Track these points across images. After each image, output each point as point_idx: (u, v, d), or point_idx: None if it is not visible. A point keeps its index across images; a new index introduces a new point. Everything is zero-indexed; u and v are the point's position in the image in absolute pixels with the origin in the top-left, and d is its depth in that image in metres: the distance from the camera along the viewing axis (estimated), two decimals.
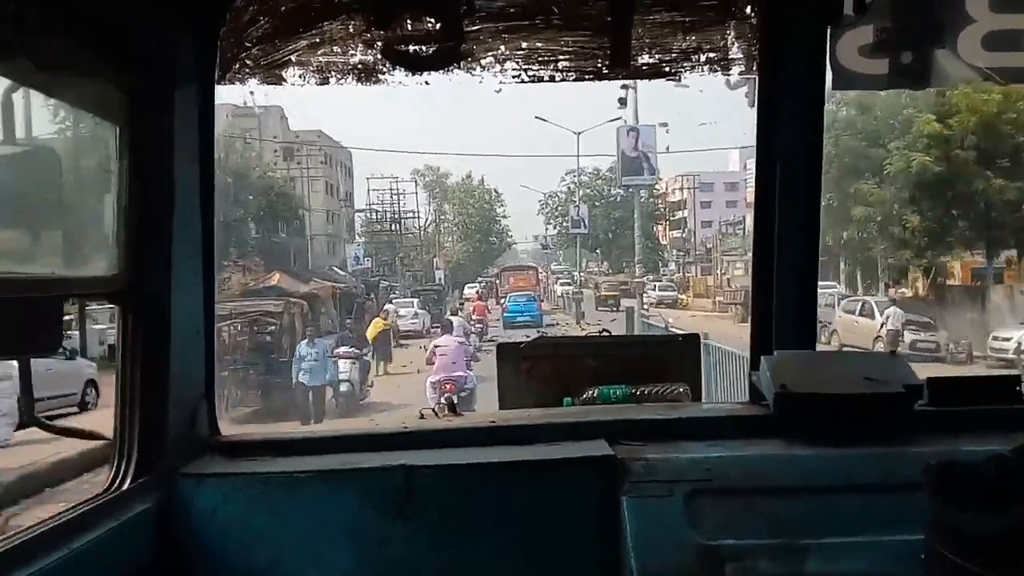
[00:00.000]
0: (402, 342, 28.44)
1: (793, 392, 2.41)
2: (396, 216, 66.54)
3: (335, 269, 50.49)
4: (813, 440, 2.37)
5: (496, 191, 76.93)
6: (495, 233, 77.94)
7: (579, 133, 51.97)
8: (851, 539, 2.15)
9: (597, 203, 66.49)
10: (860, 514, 2.19)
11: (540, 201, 71.80)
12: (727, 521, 2.21)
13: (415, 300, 40.23)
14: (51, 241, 2.27)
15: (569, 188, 67.98)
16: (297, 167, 52.09)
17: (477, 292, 43.90)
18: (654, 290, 50.06)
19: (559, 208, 68.58)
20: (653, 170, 46.35)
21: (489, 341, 26.89)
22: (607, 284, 51.09)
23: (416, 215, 69.04)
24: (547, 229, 72.65)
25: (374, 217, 66.24)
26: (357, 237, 59.18)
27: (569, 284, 54.13)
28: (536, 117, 52.74)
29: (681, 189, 73.81)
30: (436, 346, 15.41)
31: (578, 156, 56.73)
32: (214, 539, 2.31)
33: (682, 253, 71.67)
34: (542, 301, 44.18)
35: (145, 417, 2.30)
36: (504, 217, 78.77)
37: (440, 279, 60.36)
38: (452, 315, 24.21)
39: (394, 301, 38.52)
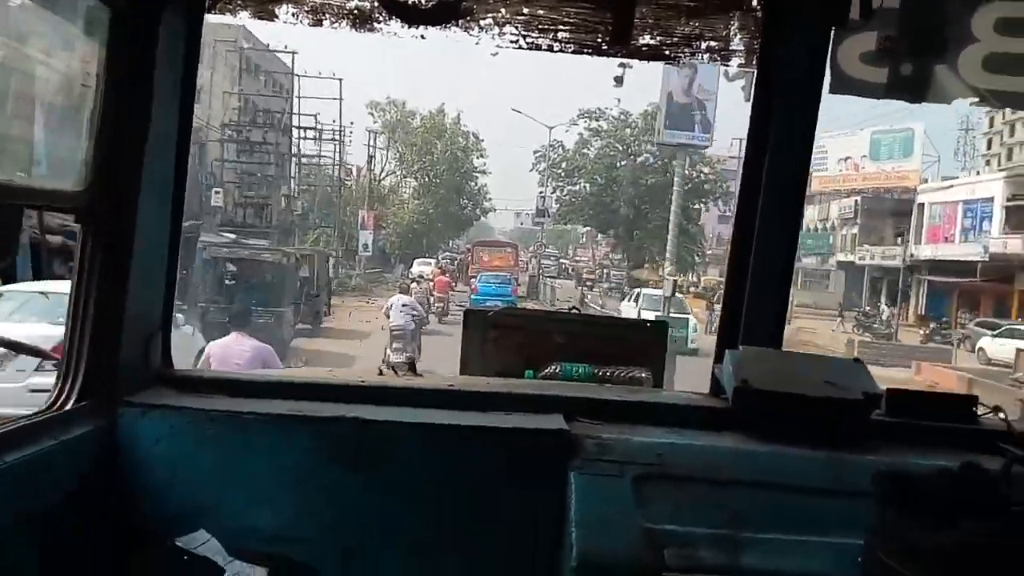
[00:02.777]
0: None
1: (753, 388, 2.41)
2: (284, 120, 40.87)
3: None
4: (768, 437, 2.38)
5: (475, 135, 55.51)
6: (467, 194, 56.73)
7: None
8: (792, 537, 2.16)
9: (620, 163, 48.20)
10: (805, 514, 2.19)
11: (537, 152, 49.84)
12: (673, 507, 2.21)
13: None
14: (18, 149, 2.20)
15: (582, 136, 48.73)
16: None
17: (440, 266, 37.86)
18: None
19: (563, 163, 49.45)
20: (708, 126, 30.96)
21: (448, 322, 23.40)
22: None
23: (339, 135, 43.99)
24: (544, 191, 50.23)
25: (238, 116, 39.55)
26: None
27: (656, 295, 26.26)
28: None
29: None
30: None
31: None
32: (156, 470, 2.28)
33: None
34: (518, 285, 38.09)
35: (97, 340, 2.26)
36: (483, 172, 56.65)
37: (366, 245, 43.53)
38: (402, 292, 18.57)
39: None
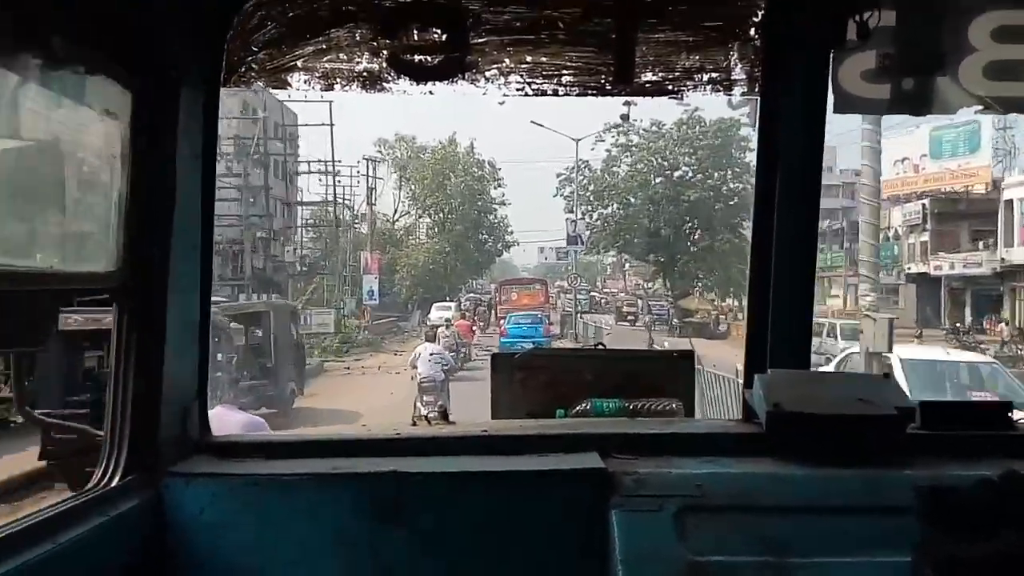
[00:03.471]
0: None
1: (786, 411, 2.41)
2: (260, 153, 35.11)
3: None
4: (804, 460, 2.37)
5: (492, 164, 51.55)
6: (487, 228, 52.25)
7: None
8: (839, 559, 2.15)
9: (657, 178, 44.53)
10: (849, 535, 2.19)
11: (561, 176, 46.16)
12: (716, 538, 2.20)
13: None
14: (50, 236, 2.28)
15: (610, 152, 44.74)
16: None
17: (461, 310, 35.63)
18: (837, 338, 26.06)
19: (591, 185, 45.52)
20: None
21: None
22: None
23: (330, 166, 39.08)
24: (574, 216, 44.24)
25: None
26: None
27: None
28: None
29: None
30: None
31: None
32: (201, 539, 2.30)
33: None
34: (551, 324, 35.73)
35: (136, 415, 2.31)
36: (502, 203, 52.56)
37: (371, 291, 39.54)
38: (428, 340, 17.84)
39: None
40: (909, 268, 44.52)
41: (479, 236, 51.96)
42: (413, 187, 51.61)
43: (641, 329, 38.62)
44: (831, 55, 2.77)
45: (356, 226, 46.90)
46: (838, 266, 47.32)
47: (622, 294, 55.95)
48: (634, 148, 45.35)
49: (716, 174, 44.18)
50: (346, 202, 44.83)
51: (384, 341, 33.54)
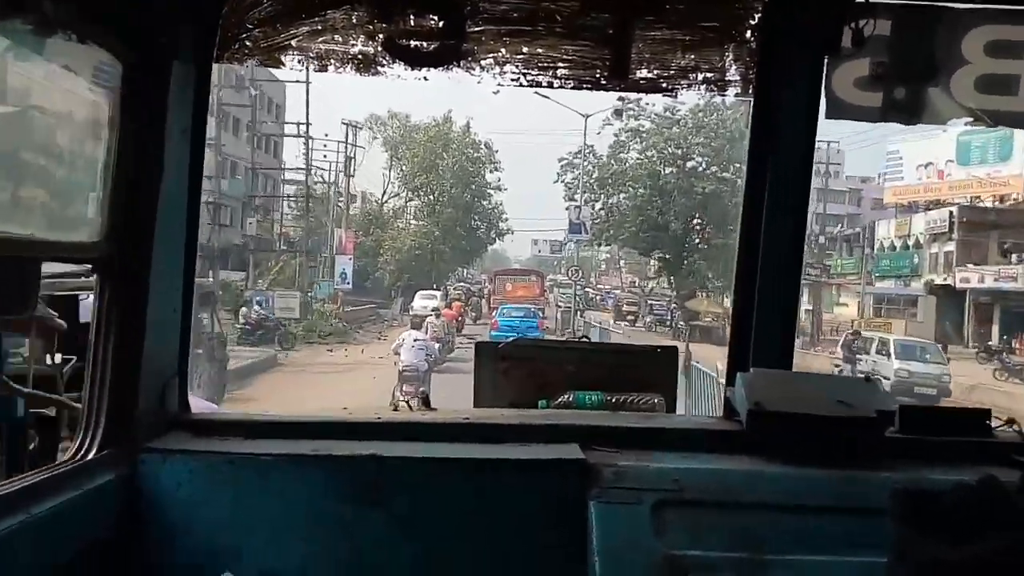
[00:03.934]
0: None
1: (766, 410, 2.43)
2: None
3: None
4: (783, 458, 2.39)
5: (488, 145, 47.79)
6: (480, 213, 48.75)
7: None
8: (813, 558, 2.17)
9: (667, 167, 40.84)
10: (824, 534, 2.21)
11: (563, 161, 42.22)
12: (693, 532, 2.22)
13: None
14: (35, 203, 2.25)
15: (617, 138, 40.80)
16: None
17: (448, 300, 33.85)
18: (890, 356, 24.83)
19: (595, 171, 41.79)
20: None
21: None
22: None
23: (305, 129, 36.27)
24: (579, 202, 40.35)
25: None
26: None
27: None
28: None
29: None
30: None
31: None
32: (177, 516, 2.29)
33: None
34: (544, 318, 33.46)
35: (116, 389, 2.29)
36: (497, 188, 48.97)
37: (344, 274, 37.28)
38: (414, 328, 18.03)
39: None
40: (932, 279, 40.96)
41: (471, 222, 48.63)
42: (403, 167, 48.52)
43: (641, 330, 36.88)
44: (825, 61, 2.78)
45: (335, 204, 43.53)
46: (849, 273, 45.41)
47: (618, 291, 53.93)
48: (644, 134, 41.61)
49: (732, 167, 39.52)
50: (323, 175, 41.84)
51: (360, 331, 31.39)
